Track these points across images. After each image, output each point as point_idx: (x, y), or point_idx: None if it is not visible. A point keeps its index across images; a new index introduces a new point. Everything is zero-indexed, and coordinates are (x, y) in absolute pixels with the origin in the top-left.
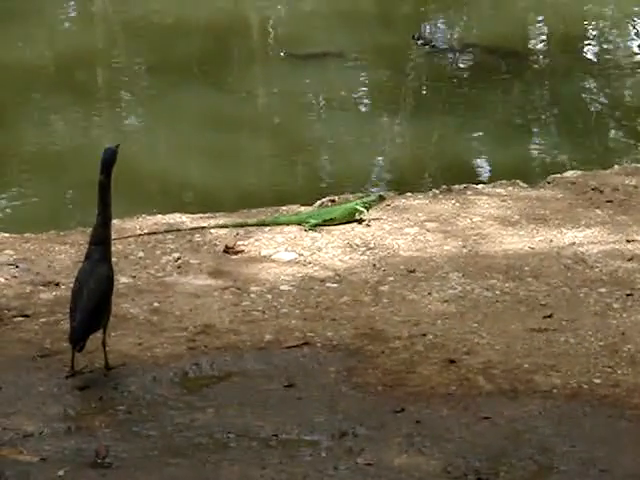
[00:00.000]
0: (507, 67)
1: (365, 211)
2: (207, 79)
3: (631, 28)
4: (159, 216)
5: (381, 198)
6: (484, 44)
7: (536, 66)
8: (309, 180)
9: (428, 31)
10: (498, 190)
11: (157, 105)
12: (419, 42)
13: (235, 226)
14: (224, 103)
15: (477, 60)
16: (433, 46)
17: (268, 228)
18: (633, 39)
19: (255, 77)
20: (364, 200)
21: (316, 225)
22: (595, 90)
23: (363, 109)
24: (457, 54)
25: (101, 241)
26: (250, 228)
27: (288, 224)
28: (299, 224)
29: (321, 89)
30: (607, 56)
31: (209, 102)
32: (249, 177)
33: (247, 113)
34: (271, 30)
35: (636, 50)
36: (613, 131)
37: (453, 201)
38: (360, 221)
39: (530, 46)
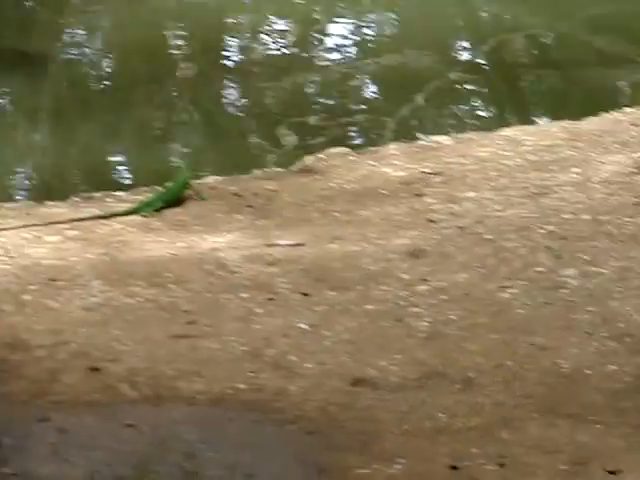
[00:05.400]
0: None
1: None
2: None
3: (269, 36)
4: None
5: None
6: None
7: (180, 71)
8: None
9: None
10: (138, 197)
11: None
12: None
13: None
14: None
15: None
16: None
17: None
18: (270, 47)
19: None
20: (183, 175)
21: (158, 210)
22: (235, 96)
23: None
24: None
25: None
26: None
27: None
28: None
29: None
30: (246, 62)
31: None
32: None
33: None
34: None
35: (274, 55)
36: (253, 136)
37: (94, 209)
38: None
39: (169, 51)
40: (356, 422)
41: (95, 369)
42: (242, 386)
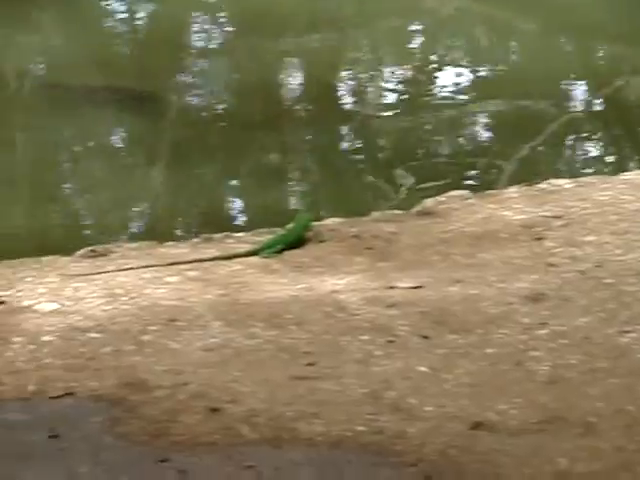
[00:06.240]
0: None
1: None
2: None
3: (384, 76)
4: None
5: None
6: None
7: (297, 114)
8: (68, 229)
9: None
10: (258, 238)
11: None
12: None
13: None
14: None
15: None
16: None
17: (30, 278)
18: (385, 87)
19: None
20: (304, 217)
21: (279, 251)
22: (350, 137)
23: (117, 158)
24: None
25: None
26: (10, 277)
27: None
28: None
29: (75, 136)
30: (361, 103)
31: None
32: (6, 225)
33: None
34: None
35: (388, 97)
36: (370, 178)
37: (214, 250)
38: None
39: (285, 93)
40: (476, 466)
41: (215, 410)
42: (361, 428)
